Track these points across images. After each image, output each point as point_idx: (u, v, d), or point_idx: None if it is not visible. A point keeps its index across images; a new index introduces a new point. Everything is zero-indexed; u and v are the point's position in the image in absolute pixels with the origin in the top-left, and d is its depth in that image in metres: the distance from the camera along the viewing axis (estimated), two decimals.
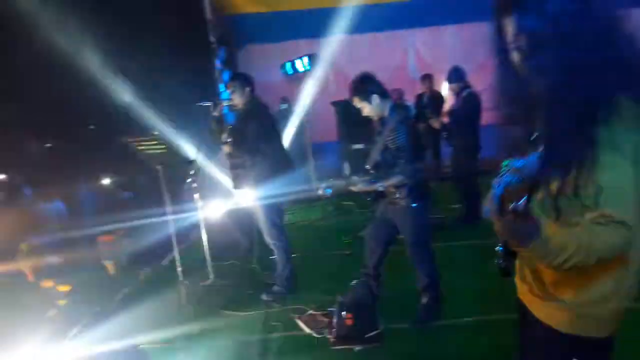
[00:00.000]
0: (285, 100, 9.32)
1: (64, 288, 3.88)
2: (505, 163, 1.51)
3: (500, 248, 1.71)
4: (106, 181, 8.70)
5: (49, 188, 7.88)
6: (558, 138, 1.31)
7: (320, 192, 3.70)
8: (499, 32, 1.40)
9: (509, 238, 1.31)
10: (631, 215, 1.24)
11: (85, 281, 4.87)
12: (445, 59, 9.54)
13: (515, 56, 1.37)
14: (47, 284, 3.91)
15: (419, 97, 8.41)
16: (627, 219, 1.22)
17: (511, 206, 1.20)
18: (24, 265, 5.03)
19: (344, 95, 9.00)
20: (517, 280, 1.71)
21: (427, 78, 8.22)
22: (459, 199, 6.05)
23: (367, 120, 8.45)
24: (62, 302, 3.77)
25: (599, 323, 1.45)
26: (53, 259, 5.15)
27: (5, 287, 5.13)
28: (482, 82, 5.77)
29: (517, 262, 1.62)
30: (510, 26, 1.34)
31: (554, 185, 1.32)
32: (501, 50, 1.42)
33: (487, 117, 6.00)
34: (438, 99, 7.98)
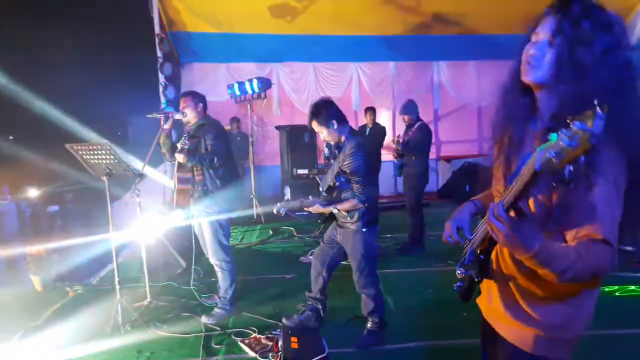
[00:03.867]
0: (235, 120, 9.29)
1: None
2: None
3: (463, 270, 1.75)
4: (32, 193, 8.18)
5: None
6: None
7: (274, 210, 3.67)
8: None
9: (510, 241, 1.29)
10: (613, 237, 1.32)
11: (9, 296, 4.51)
12: (386, 94, 10.00)
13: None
14: None
15: (362, 128, 8.64)
16: (610, 239, 1.30)
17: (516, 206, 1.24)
18: None
19: (289, 120, 9.19)
20: (481, 301, 1.76)
21: (370, 110, 8.47)
22: (404, 228, 6.19)
23: (310, 146, 8.57)
24: None
25: (565, 345, 1.53)
26: None
27: None
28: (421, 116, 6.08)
29: (483, 283, 1.68)
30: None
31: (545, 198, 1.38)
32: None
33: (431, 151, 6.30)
34: (380, 131, 8.24)
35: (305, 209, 3.54)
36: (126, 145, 8.28)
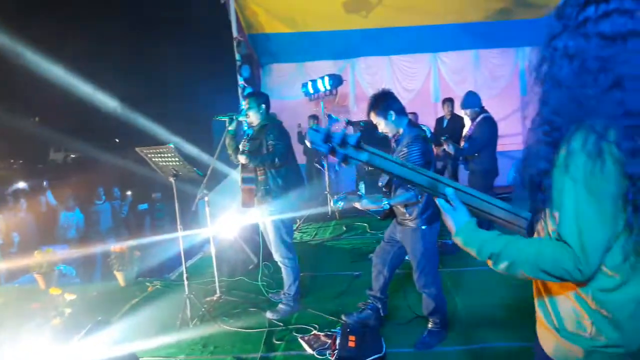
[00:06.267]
0: (313, 117, 9.39)
1: (70, 296, 3.89)
2: None
3: None
4: (127, 193, 8.88)
5: (70, 197, 8.08)
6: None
7: (331, 204, 3.66)
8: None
9: (444, 219, 1.45)
10: (579, 242, 1.19)
11: (95, 291, 4.92)
12: (468, 84, 9.58)
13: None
14: (55, 291, 3.93)
15: (439, 120, 8.37)
16: (571, 242, 1.19)
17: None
18: (36, 272, 5.10)
19: (364, 116, 9.09)
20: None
21: (448, 102, 8.16)
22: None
23: (386, 140, 8.39)
24: (67, 310, 3.78)
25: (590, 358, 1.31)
26: (65, 268, 5.23)
27: (19, 294, 5.23)
28: (503, 108, 5.71)
29: None
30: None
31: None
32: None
33: (505, 143, 5.94)
34: (458, 123, 7.92)
35: (354, 206, 3.48)
36: (211, 147, 8.65)
